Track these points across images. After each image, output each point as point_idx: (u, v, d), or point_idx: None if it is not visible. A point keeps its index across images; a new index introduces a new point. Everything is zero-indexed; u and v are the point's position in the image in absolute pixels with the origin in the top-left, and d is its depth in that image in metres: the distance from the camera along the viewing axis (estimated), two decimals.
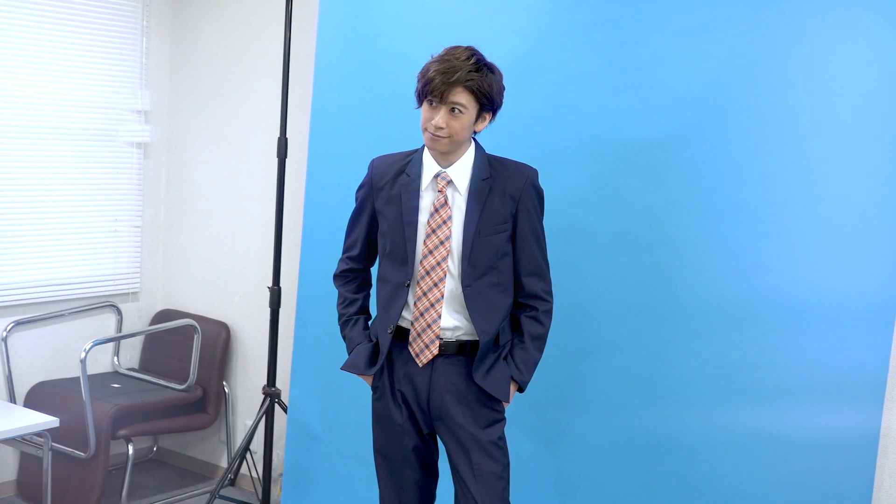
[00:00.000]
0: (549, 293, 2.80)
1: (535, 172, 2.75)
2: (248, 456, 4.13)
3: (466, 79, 2.58)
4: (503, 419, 2.78)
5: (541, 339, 2.77)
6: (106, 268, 4.59)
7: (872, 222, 2.87)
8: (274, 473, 4.20)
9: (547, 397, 3.31)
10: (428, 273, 2.72)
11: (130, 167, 4.64)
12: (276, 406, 4.06)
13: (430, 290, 2.71)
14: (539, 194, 2.76)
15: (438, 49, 2.70)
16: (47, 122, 4.27)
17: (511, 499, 2.79)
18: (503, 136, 3.09)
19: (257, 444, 4.20)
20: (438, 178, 2.72)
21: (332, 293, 3.75)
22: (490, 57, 2.71)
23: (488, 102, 2.64)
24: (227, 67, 4.54)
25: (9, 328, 4.20)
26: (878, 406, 2.87)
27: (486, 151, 2.79)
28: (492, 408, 2.74)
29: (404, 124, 3.52)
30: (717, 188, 3.06)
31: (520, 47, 3.32)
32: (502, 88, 2.70)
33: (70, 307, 4.46)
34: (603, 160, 3.20)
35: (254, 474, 4.22)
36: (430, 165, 2.74)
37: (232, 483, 4.28)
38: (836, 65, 2.91)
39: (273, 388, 4.04)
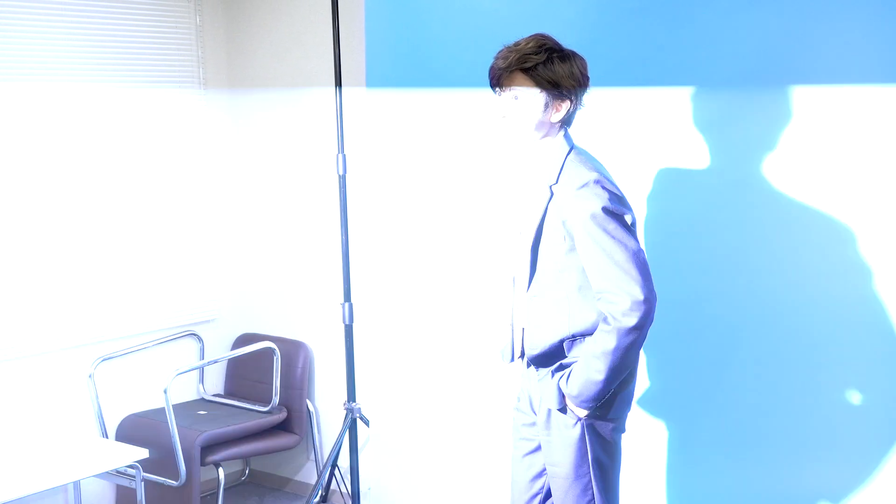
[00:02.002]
0: (623, 313, 2.45)
1: (586, 183, 2.49)
2: (337, 472, 4.16)
3: (523, 62, 2.49)
4: (577, 423, 2.63)
5: (595, 359, 2.49)
6: (183, 298, 4.67)
7: None
8: (363, 487, 4.22)
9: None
10: (515, 278, 2.72)
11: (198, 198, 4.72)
12: (359, 421, 4.08)
13: (516, 294, 2.73)
14: (589, 204, 2.47)
15: (486, 52, 2.66)
16: (116, 160, 4.36)
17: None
18: None
19: (345, 460, 4.22)
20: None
21: (402, 304, 3.79)
22: None
23: (553, 87, 2.50)
24: (284, 90, 4.58)
25: (95, 365, 4.30)
26: None
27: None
28: (565, 413, 2.65)
29: (459, 130, 3.52)
30: (782, 164, 2.97)
31: (570, 40, 3.25)
32: (574, 73, 2.52)
33: (152, 339, 4.55)
34: (664, 147, 3.14)
35: (343, 489, 4.25)
36: None
37: (324, 500, 4.32)
38: None
39: (353, 404, 4.07)
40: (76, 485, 4.13)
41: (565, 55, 2.54)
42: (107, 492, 4.34)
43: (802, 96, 2.94)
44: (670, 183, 3.15)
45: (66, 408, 4.21)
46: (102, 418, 4.31)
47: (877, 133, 2.85)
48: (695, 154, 3.09)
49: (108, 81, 4.31)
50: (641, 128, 3.17)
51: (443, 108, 3.56)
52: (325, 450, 4.59)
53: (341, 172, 3.98)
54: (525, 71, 2.49)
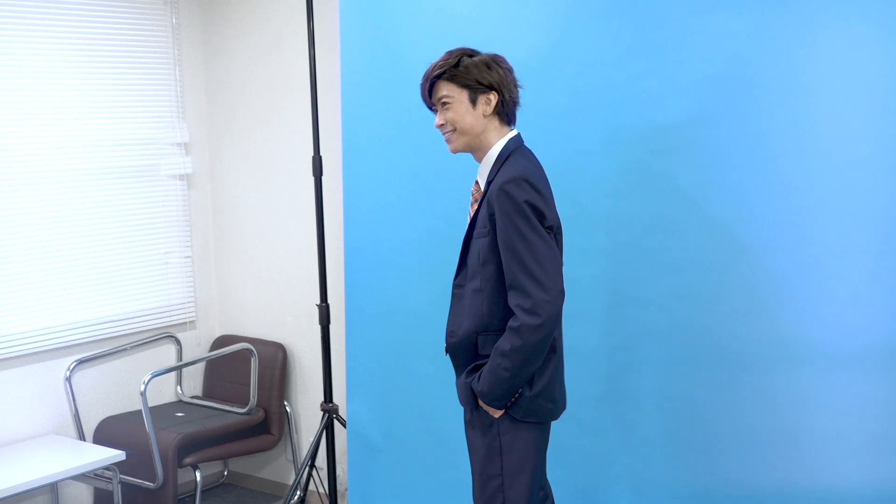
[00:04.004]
0: (528, 310, 2.50)
1: (512, 178, 2.55)
2: (315, 472, 4.18)
3: (438, 73, 2.66)
4: (491, 423, 2.65)
5: (503, 356, 2.54)
6: (161, 300, 4.68)
7: None
8: (340, 488, 4.24)
9: (599, 391, 3.29)
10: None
11: (175, 199, 4.72)
12: (336, 421, 4.10)
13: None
14: (511, 199, 2.53)
15: None
16: (92, 162, 4.36)
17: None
18: (530, 132, 3.08)
19: (322, 461, 4.24)
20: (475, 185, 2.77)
21: (378, 305, 3.81)
22: (511, 55, 2.76)
23: (473, 81, 2.64)
24: (261, 92, 4.60)
25: (72, 367, 4.30)
26: None
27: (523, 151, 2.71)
28: (482, 412, 2.67)
29: (434, 133, 3.54)
30: (749, 164, 3.01)
31: (539, 43, 3.31)
32: (488, 63, 2.66)
33: (130, 341, 4.55)
34: (631, 147, 3.17)
35: (321, 490, 4.27)
36: None
37: (302, 501, 4.33)
38: (864, 27, 2.85)
39: (330, 404, 4.08)
40: (53, 487, 4.14)
41: (475, 54, 2.70)
42: (84, 494, 4.33)
43: (773, 97, 2.98)
44: (641, 183, 3.18)
45: (44, 410, 4.21)
46: (80, 421, 4.31)
47: (851, 132, 2.89)
48: (666, 155, 3.12)
49: (84, 83, 4.32)
50: (612, 129, 3.20)
51: (418, 109, 3.57)
52: (303, 451, 4.60)
53: (317, 174, 4.00)
54: (441, 77, 2.67)
